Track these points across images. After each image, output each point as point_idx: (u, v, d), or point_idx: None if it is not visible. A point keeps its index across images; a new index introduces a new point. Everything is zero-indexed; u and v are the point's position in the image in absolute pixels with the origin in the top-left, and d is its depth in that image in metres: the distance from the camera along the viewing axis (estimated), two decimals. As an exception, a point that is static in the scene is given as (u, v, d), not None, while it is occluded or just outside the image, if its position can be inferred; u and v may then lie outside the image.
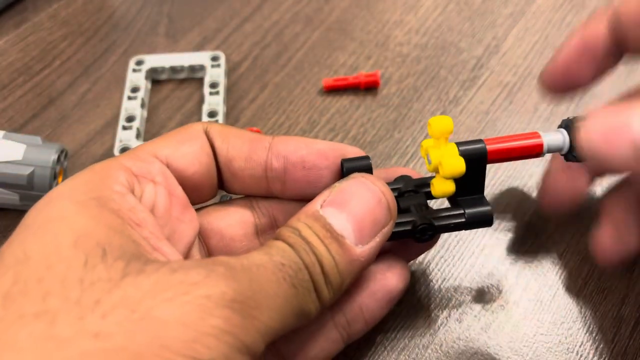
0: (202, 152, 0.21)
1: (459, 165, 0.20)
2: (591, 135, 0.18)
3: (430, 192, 0.22)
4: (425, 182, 0.23)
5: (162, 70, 0.35)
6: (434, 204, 0.29)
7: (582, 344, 0.25)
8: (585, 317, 0.26)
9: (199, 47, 0.37)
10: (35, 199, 0.28)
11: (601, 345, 0.25)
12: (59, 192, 0.18)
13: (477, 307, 0.26)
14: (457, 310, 0.26)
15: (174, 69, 0.35)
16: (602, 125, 0.18)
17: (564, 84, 0.24)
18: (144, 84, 0.34)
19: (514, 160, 0.22)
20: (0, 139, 0.28)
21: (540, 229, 0.28)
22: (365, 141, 0.32)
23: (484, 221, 0.22)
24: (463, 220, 0.22)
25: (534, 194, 0.30)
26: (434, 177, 0.22)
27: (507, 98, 0.34)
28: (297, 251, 0.17)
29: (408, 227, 0.21)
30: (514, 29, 0.37)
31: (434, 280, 0.27)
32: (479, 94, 0.34)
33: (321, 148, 0.21)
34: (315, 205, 0.19)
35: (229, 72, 0.36)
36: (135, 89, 0.34)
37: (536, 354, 0.25)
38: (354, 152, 0.22)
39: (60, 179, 0.29)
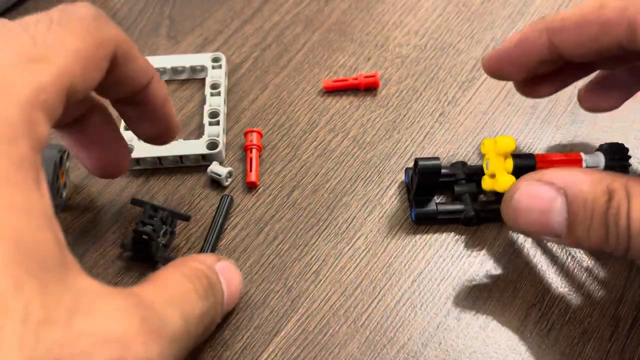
0: (100, 79, 0.19)
1: (511, 183, 0.24)
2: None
3: (480, 181, 0.27)
4: (476, 172, 0.29)
5: (163, 71, 0.36)
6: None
7: (580, 342, 0.25)
8: (583, 316, 0.26)
9: (200, 49, 0.38)
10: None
11: (599, 344, 0.25)
12: None
13: (476, 305, 0.26)
14: (456, 308, 0.26)
15: (175, 70, 0.36)
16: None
17: (497, 73, 0.27)
18: (145, 84, 0.35)
19: None
20: (3, 139, 0.28)
21: (539, 229, 0.29)
22: (365, 141, 0.32)
23: None
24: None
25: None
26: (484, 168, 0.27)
27: (505, 99, 0.34)
28: (210, 308, 0.21)
29: (460, 216, 0.28)
30: (513, 30, 0.38)
31: (433, 279, 0.27)
32: (478, 95, 0.34)
33: (167, 112, 0.24)
34: (214, 264, 0.23)
35: (229, 73, 0.36)
36: (136, 90, 0.34)
37: (534, 353, 0.25)
38: (177, 126, 0.26)
39: (62, 179, 0.29)
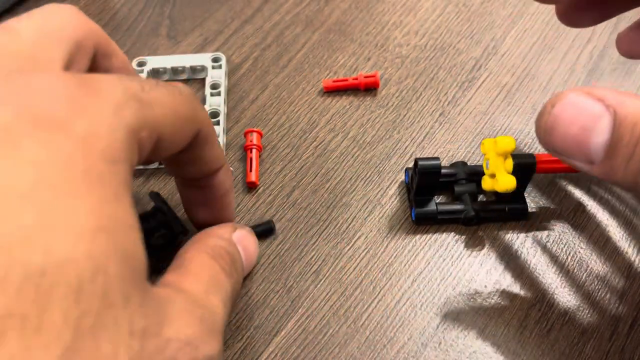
0: (180, 148, 0.21)
1: (511, 183, 0.25)
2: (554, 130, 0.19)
3: (480, 181, 0.27)
4: (476, 172, 0.29)
5: (163, 71, 0.36)
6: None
7: (580, 342, 0.25)
8: (583, 316, 0.26)
9: (200, 49, 0.38)
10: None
11: (599, 344, 0.25)
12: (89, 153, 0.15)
13: (476, 305, 0.26)
14: (455, 308, 0.26)
15: (175, 70, 0.36)
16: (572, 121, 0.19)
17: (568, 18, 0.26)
18: (145, 84, 0.35)
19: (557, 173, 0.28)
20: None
21: (540, 230, 0.29)
22: (365, 141, 0.32)
23: (521, 215, 0.28)
24: (504, 213, 0.28)
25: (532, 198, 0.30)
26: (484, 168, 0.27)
27: (505, 99, 0.34)
28: (232, 287, 0.21)
29: (460, 215, 0.28)
30: (513, 30, 0.38)
31: (433, 279, 0.27)
32: (478, 95, 0.34)
33: (227, 203, 0.25)
34: (231, 236, 0.23)
35: (229, 73, 0.36)
36: (136, 90, 0.34)
37: (534, 353, 0.25)
38: (230, 220, 0.26)
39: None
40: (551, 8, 0.39)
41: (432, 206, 0.28)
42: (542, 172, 0.27)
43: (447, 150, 0.32)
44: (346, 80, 0.35)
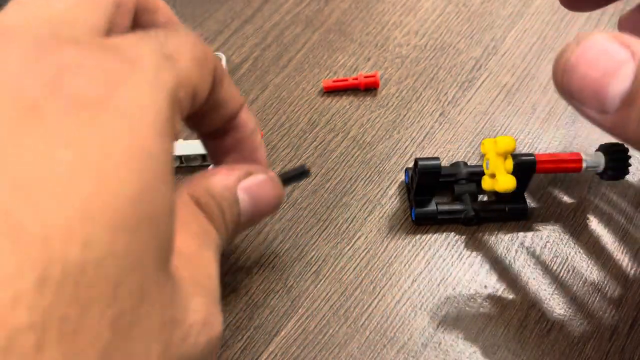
0: (207, 92, 0.19)
1: (511, 183, 0.25)
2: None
3: (480, 181, 0.27)
4: (476, 172, 0.29)
5: (163, 71, 0.36)
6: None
7: (580, 342, 0.25)
8: (584, 316, 0.26)
9: (199, 48, 0.38)
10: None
11: (599, 344, 0.25)
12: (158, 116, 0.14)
13: (476, 306, 0.26)
14: (455, 309, 0.26)
15: (175, 70, 0.36)
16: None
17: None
18: (145, 84, 0.35)
19: (557, 173, 0.28)
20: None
21: (540, 229, 0.29)
22: (365, 141, 0.32)
23: (521, 215, 0.29)
24: (504, 213, 0.28)
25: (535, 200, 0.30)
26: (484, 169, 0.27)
27: (505, 99, 0.34)
28: (221, 241, 0.19)
29: (460, 215, 0.28)
30: (513, 30, 0.38)
31: (433, 279, 0.27)
32: (478, 95, 0.34)
33: (256, 144, 0.23)
34: (235, 184, 0.20)
35: (229, 73, 0.36)
36: (136, 90, 0.34)
37: (534, 353, 0.25)
38: (265, 163, 0.24)
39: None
40: (549, 7, 0.39)
41: (432, 206, 0.28)
42: (542, 172, 0.27)
43: (447, 150, 0.32)
44: (346, 80, 0.35)
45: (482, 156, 0.31)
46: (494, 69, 0.36)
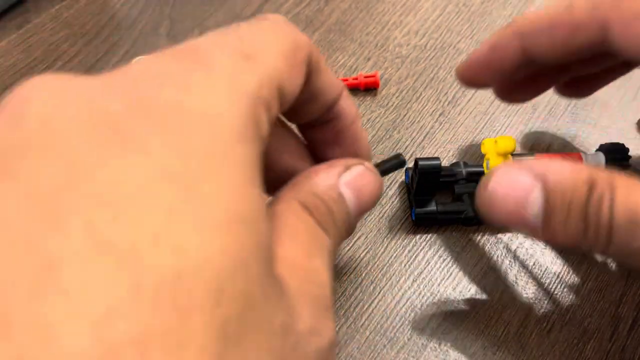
0: (300, 88, 0.17)
1: None
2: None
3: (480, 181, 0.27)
4: (477, 172, 0.28)
5: (163, 71, 0.36)
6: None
7: (580, 342, 0.25)
8: (584, 316, 0.26)
9: (199, 48, 0.38)
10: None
11: (599, 344, 0.25)
12: (222, 140, 0.13)
13: (476, 305, 0.26)
14: (455, 309, 0.26)
15: (175, 70, 0.36)
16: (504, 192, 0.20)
17: (472, 81, 0.26)
18: (145, 84, 0.35)
19: None
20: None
21: (539, 229, 0.29)
22: (365, 141, 0.32)
23: None
24: None
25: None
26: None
27: (505, 99, 0.34)
28: (334, 242, 0.18)
29: (460, 216, 0.28)
30: (513, 30, 0.38)
31: (433, 279, 0.27)
32: (478, 95, 0.34)
33: (358, 131, 0.22)
34: (337, 180, 0.19)
35: (229, 73, 0.36)
36: (136, 90, 0.34)
37: (533, 354, 0.25)
38: (368, 149, 0.23)
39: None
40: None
41: (432, 206, 0.28)
42: None
43: (447, 150, 0.32)
44: (346, 80, 0.35)
45: (483, 156, 0.31)
46: (494, 68, 0.36)
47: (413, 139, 0.32)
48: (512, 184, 0.20)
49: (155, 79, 0.13)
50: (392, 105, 0.34)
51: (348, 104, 0.21)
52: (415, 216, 0.28)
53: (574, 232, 0.19)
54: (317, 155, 0.22)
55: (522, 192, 0.20)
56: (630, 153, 0.29)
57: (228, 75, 0.14)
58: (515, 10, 0.39)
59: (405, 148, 0.32)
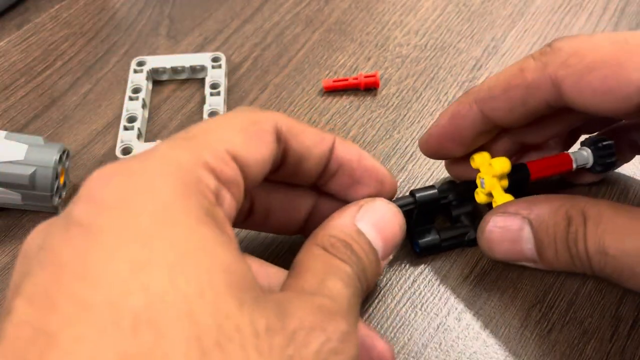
0: (271, 155, 0.19)
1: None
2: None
3: (472, 196, 0.26)
4: (467, 188, 0.26)
5: (163, 71, 0.36)
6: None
7: (580, 343, 0.25)
8: (584, 317, 0.26)
9: (199, 48, 0.38)
10: (37, 199, 0.28)
11: (599, 344, 0.25)
12: (160, 200, 0.15)
13: (476, 305, 0.26)
14: (456, 309, 0.26)
15: (175, 70, 0.36)
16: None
17: (436, 153, 0.26)
18: (145, 84, 0.35)
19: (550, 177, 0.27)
20: (2, 139, 0.28)
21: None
22: (365, 141, 0.32)
23: None
24: None
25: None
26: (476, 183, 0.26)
27: (506, 99, 0.34)
28: (354, 270, 0.19)
29: (463, 238, 0.27)
30: (513, 30, 0.38)
31: (433, 279, 0.27)
32: (478, 95, 0.34)
33: (368, 166, 0.23)
34: (352, 219, 0.21)
35: (229, 73, 0.36)
36: (136, 90, 0.34)
37: (535, 353, 0.25)
38: (387, 174, 0.24)
39: (62, 179, 0.29)
40: (550, 7, 0.39)
41: (433, 234, 0.27)
42: (536, 179, 0.27)
43: (448, 150, 0.32)
44: (346, 80, 0.34)
45: None
46: (494, 68, 0.36)
47: (413, 139, 0.32)
48: (503, 226, 0.23)
49: (107, 179, 0.15)
50: (392, 105, 0.34)
51: (345, 148, 0.22)
52: (419, 248, 0.27)
53: (565, 261, 0.22)
54: (349, 201, 0.23)
55: (515, 232, 0.23)
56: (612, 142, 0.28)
57: (162, 156, 0.16)
58: (515, 10, 0.39)
59: (406, 148, 0.32)
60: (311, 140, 0.21)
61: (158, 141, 0.32)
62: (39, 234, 0.15)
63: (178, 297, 0.13)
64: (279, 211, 0.23)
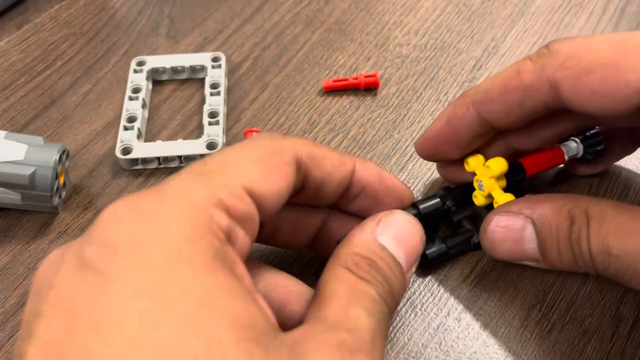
0: (289, 186, 0.19)
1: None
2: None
3: (470, 199, 0.26)
4: (463, 192, 0.26)
5: (163, 70, 0.36)
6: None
7: (581, 343, 0.25)
8: (584, 316, 0.26)
9: (199, 48, 0.38)
10: (37, 198, 0.28)
11: (600, 344, 0.25)
12: (170, 246, 0.15)
13: (477, 306, 0.26)
14: (456, 309, 0.26)
15: (175, 70, 0.36)
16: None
17: (433, 156, 0.27)
18: (145, 84, 0.35)
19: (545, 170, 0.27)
20: (2, 139, 0.28)
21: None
22: (365, 141, 0.32)
23: None
24: None
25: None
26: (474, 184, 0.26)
27: (506, 99, 0.34)
28: (380, 291, 0.19)
29: (469, 243, 0.26)
30: (513, 30, 0.38)
31: (433, 280, 0.27)
32: (478, 95, 0.34)
33: (389, 185, 0.23)
34: (373, 234, 0.21)
35: (229, 73, 0.36)
36: (136, 90, 0.34)
37: (535, 353, 0.25)
38: (406, 190, 0.24)
39: (62, 179, 0.29)
40: (550, 7, 0.39)
41: (439, 243, 0.26)
42: (532, 174, 0.26)
43: (448, 150, 0.32)
44: (346, 80, 0.34)
45: None
46: (494, 68, 0.36)
47: (413, 139, 0.32)
48: (506, 226, 0.23)
49: (119, 220, 0.15)
50: (392, 105, 0.34)
51: (366, 170, 0.22)
52: (428, 259, 0.26)
53: (568, 261, 0.22)
54: (364, 218, 0.23)
55: (517, 231, 0.23)
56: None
57: (175, 193, 0.16)
58: (515, 10, 0.39)
59: (406, 148, 0.32)
60: (332, 166, 0.21)
61: (158, 141, 0.32)
62: (51, 267, 0.15)
63: (186, 356, 0.13)
64: (288, 228, 0.23)
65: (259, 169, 0.18)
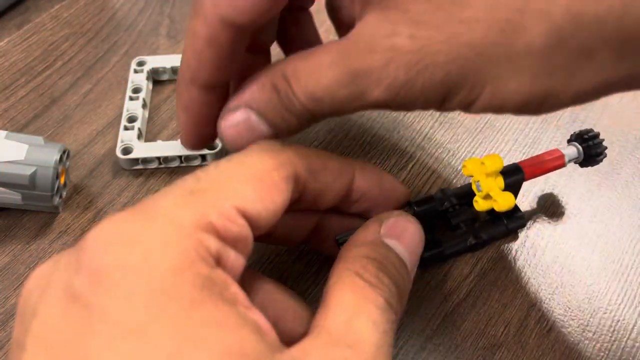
0: (285, 203, 0.19)
1: (511, 202, 0.24)
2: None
3: (470, 202, 0.26)
4: (464, 194, 0.26)
5: (163, 70, 0.36)
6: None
7: (580, 343, 0.25)
8: (584, 316, 0.26)
9: (199, 48, 0.38)
10: (38, 198, 0.28)
11: (600, 345, 0.25)
12: (155, 279, 0.15)
13: (477, 305, 0.26)
14: (456, 309, 0.26)
15: (175, 70, 0.36)
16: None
17: (195, 143, 0.25)
18: (145, 84, 0.35)
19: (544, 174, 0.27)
20: (2, 139, 0.28)
21: (539, 230, 0.29)
22: (365, 141, 0.32)
23: (521, 225, 0.28)
24: (505, 229, 0.27)
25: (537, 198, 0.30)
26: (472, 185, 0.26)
27: (505, 99, 0.34)
28: (387, 296, 0.18)
29: (465, 245, 0.27)
30: (513, 30, 0.38)
31: (432, 280, 0.27)
32: (478, 95, 0.34)
33: (388, 188, 0.23)
34: (377, 235, 0.21)
35: (229, 73, 0.36)
36: (136, 90, 0.34)
37: (533, 354, 0.25)
38: (404, 190, 0.24)
39: (62, 179, 0.29)
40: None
41: (435, 244, 0.26)
42: (530, 177, 0.27)
43: (447, 150, 0.32)
44: (346, 80, 0.34)
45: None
46: (494, 68, 0.35)
47: (413, 139, 0.32)
48: (235, 122, 0.22)
49: (107, 246, 0.15)
50: (392, 105, 0.34)
51: (366, 175, 0.22)
52: (423, 261, 0.25)
53: (296, 123, 0.21)
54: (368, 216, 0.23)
55: (247, 123, 0.21)
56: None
57: (163, 217, 0.16)
58: (515, 10, 0.39)
59: (406, 148, 0.32)
60: (331, 176, 0.21)
61: (159, 141, 0.32)
62: (37, 287, 0.15)
63: None
64: (282, 228, 0.23)
65: (254, 186, 0.17)
